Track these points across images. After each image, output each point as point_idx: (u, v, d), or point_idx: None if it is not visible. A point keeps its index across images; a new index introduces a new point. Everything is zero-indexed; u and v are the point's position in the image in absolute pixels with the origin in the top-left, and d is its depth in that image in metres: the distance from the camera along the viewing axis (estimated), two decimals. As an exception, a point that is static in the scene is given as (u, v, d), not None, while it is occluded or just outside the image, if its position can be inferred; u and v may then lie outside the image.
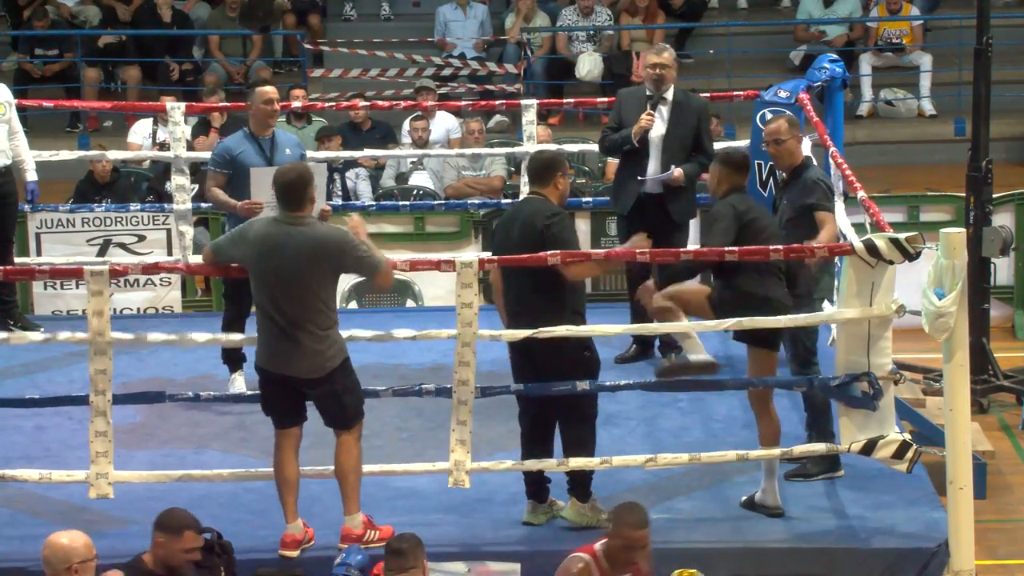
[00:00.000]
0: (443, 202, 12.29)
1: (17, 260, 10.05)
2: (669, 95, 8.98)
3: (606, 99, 13.23)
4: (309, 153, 9.85)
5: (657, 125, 8.95)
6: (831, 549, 7.14)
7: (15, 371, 9.02)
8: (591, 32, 16.28)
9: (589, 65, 16.07)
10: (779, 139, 7.85)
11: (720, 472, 7.69)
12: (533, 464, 7.24)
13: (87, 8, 16.59)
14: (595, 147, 12.44)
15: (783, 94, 9.45)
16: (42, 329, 8.68)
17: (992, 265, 10.97)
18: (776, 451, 7.45)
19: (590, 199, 11.58)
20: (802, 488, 7.60)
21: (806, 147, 9.48)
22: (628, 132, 8.95)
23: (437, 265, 7.25)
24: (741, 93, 10.79)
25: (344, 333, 7.03)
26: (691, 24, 16.90)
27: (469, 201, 11.77)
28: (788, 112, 8.84)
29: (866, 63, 16.06)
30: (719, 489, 7.62)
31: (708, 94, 9.79)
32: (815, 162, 8.08)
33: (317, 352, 6.85)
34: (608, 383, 7.45)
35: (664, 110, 8.98)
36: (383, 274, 6.94)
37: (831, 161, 9.11)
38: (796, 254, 7.25)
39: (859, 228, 8.56)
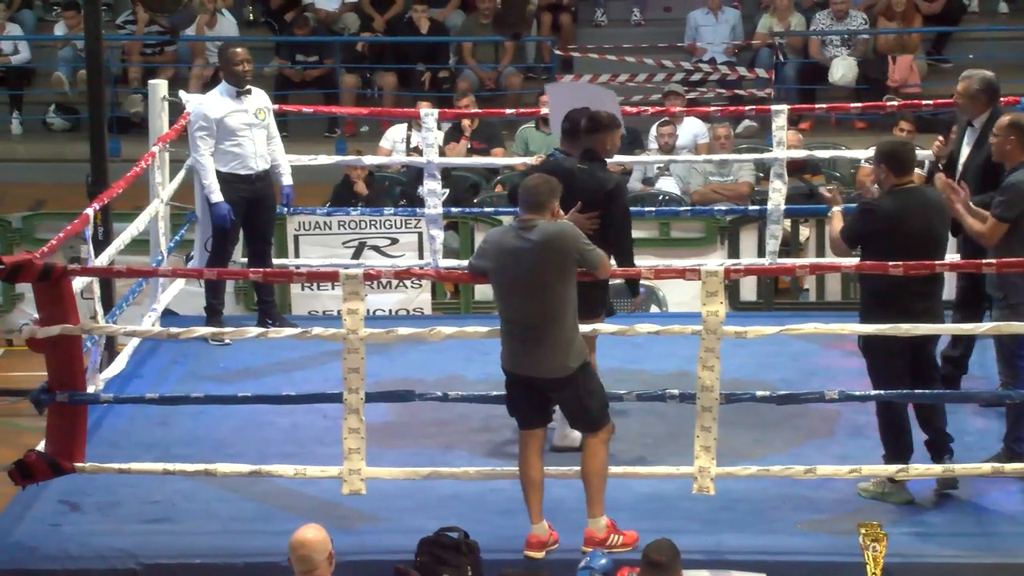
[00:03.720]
0: (689, 208, 12.24)
1: (276, 261, 10.37)
2: (977, 122, 8.46)
3: (859, 104, 13.08)
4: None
5: (964, 151, 8.51)
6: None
7: (273, 369, 9.28)
8: (845, 36, 16.03)
9: (843, 70, 15.81)
10: (994, 132, 7.79)
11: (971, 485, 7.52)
12: (779, 471, 7.19)
13: (346, 15, 17.01)
14: (846, 153, 12.30)
15: (1041, 101, 9.18)
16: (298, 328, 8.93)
17: None
18: (986, 467, 7.26)
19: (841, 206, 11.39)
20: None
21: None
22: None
23: (682, 274, 7.23)
24: (1001, 99, 10.46)
25: (587, 327, 7.10)
26: (949, 28, 16.49)
27: (715, 207, 11.69)
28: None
29: None
30: (971, 504, 7.44)
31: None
32: None
33: (559, 352, 6.91)
34: (859, 392, 7.36)
35: (972, 136, 8.50)
36: (603, 267, 7.05)
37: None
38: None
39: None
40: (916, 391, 7.30)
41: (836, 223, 7.57)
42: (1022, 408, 7.61)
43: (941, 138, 8.71)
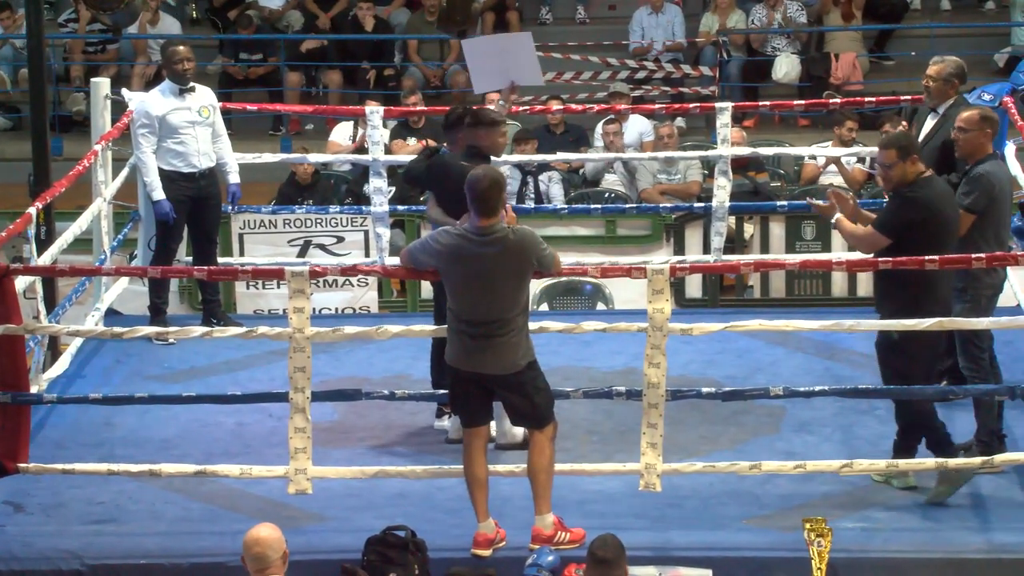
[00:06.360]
0: (635, 205, 12.28)
1: (220, 260, 10.31)
2: (942, 108, 8.41)
3: (803, 101, 13.15)
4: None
5: (922, 137, 8.40)
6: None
7: (218, 368, 9.24)
8: (788, 33, 16.11)
9: (786, 67, 15.90)
10: (963, 128, 7.76)
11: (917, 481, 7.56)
12: (725, 467, 7.22)
13: (290, 13, 16.95)
14: (790, 150, 12.37)
15: (987, 97, 9.25)
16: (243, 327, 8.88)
17: None
18: (977, 460, 7.30)
19: (785, 203, 11.46)
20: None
21: (1010, 152, 9.31)
22: None
23: (628, 272, 7.24)
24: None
25: (534, 325, 7.10)
26: (892, 26, 16.62)
27: (661, 204, 11.75)
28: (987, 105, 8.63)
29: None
30: (916, 498, 7.49)
31: (909, 97, 9.56)
32: (1001, 159, 7.87)
33: (510, 350, 6.90)
34: (803, 388, 7.40)
35: (932, 122, 8.45)
36: (557, 267, 7.07)
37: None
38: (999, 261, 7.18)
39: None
40: (860, 388, 7.35)
41: (848, 225, 7.49)
42: (990, 404, 7.61)
43: (904, 123, 8.66)
